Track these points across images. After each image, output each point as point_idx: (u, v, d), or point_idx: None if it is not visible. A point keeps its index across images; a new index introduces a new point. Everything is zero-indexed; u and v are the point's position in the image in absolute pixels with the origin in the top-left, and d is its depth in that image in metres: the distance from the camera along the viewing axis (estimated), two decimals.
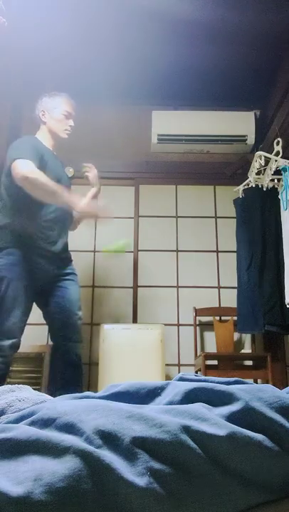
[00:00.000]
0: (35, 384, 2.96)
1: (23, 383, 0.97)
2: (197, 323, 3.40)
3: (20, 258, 2.19)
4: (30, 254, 2.22)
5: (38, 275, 2.24)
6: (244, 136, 3.54)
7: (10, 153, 2.24)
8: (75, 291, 2.36)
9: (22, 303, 2.15)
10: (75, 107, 2.49)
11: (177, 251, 3.65)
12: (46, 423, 0.65)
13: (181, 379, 0.82)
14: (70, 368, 2.24)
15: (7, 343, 2.08)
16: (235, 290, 3.23)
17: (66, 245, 2.43)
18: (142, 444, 0.59)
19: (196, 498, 0.57)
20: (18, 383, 0.95)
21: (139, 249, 3.63)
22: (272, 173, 3.01)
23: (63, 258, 2.39)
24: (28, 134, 2.52)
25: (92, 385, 3.17)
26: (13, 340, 2.10)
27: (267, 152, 3.05)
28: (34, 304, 2.32)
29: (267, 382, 2.83)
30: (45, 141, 2.42)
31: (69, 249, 2.47)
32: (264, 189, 3.11)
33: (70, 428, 0.62)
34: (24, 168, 2.12)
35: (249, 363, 3.36)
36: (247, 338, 3.48)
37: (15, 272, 2.16)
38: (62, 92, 2.49)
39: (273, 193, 3.09)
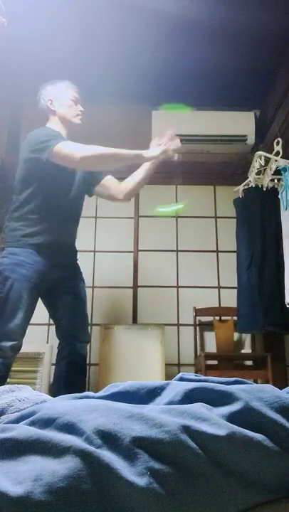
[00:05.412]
0: (33, 384, 2.96)
1: (22, 383, 0.97)
2: (197, 323, 3.40)
3: (25, 258, 2.16)
4: (37, 254, 2.19)
5: (44, 276, 2.20)
6: (244, 136, 3.53)
7: (37, 147, 2.14)
8: (83, 291, 2.35)
9: (25, 304, 2.11)
10: (79, 91, 2.41)
11: (177, 251, 3.65)
12: (46, 423, 0.65)
13: (181, 379, 0.82)
14: (73, 368, 2.23)
15: (8, 344, 2.05)
16: (235, 290, 3.22)
17: (74, 243, 2.39)
18: (142, 444, 0.59)
19: (196, 498, 0.57)
20: (17, 383, 0.95)
21: (139, 249, 3.63)
22: (273, 173, 3.00)
23: (71, 258, 2.37)
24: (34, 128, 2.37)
25: (92, 385, 3.17)
26: (15, 342, 2.06)
27: (267, 152, 3.05)
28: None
29: (267, 382, 2.83)
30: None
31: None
32: (264, 189, 3.11)
33: (70, 428, 0.62)
34: (74, 151, 2.07)
35: (249, 363, 3.36)
36: (247, 338, 3.48)
37: (19, 272, 2.13)
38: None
39: (273, 193, 3.08)
